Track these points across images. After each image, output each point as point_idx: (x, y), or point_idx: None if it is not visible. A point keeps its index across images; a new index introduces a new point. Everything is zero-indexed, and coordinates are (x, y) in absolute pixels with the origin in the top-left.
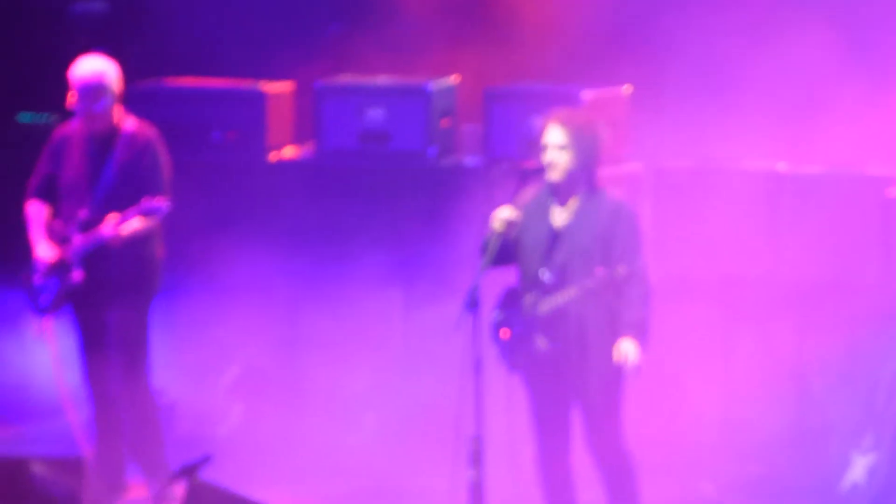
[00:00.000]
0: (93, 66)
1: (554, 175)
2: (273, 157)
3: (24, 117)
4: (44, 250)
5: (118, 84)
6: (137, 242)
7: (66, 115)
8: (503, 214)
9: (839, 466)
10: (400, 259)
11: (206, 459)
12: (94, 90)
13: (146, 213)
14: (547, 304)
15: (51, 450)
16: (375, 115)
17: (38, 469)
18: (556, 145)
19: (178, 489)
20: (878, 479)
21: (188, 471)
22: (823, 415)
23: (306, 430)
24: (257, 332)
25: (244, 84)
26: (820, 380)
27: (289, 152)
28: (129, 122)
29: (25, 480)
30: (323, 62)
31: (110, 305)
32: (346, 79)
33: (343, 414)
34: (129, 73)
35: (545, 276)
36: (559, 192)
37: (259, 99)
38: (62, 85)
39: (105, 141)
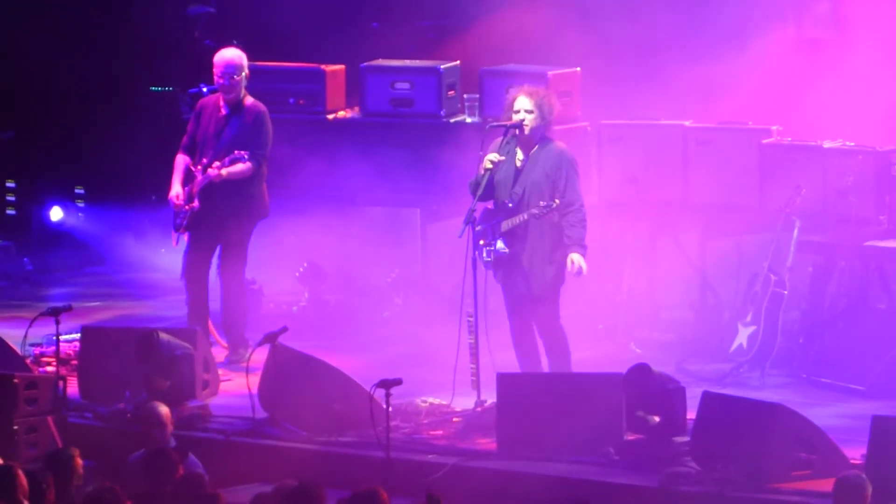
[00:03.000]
0: (234, 53)
1: (525, 130)
2: (331, 116)
3: (154, 88)
4: (173, 191)
5: (246, 69)
6: (242, 181)
7: (185, 87)
8: (492, 157)
9: (729, 334)
10: (420, 187)
11: (283, 329)
12: (234, 68)
13: (233, 161)
14: (506, 224)
15: (176, 322)
16: (403, 87)
17: (163, 336)
18: (525, 109)
19: (255, 351)
20: (755, 343)
21: (270, 337)
22: (718, 298)
23: (353, 307)
24: (319, 239)
25: (310, 65)
26: (716, 273)
27: (342, 113)
28: (248, 99)
29: (154, 345)
30: (366, 49)
31: (220, 226)
32: (382, 62)
33: (379, 296)
34: None
35: (509, 203)
36: (523, 142)
37: (321, 76)
38: (181, 65)
39: (231, 110)
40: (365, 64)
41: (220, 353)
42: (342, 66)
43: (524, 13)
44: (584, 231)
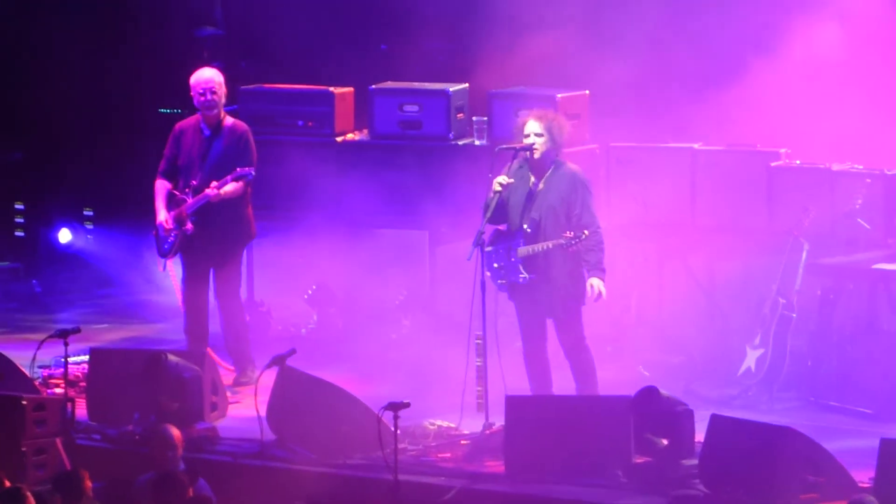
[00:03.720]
0: (211, 71)
1: (535, 154)
2: (339, 138)
3: (163, 110)
4: (161, 217)
5: (224, 88)
6: (231, 203)
7: (193, 109)
8: (501, 180)
9: (737, 357)
10: (428, 210)
11: (291, 351)
12: (213, 85)
13: (237, 178)
14: (525, 251)
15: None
16: (411, 109)
17: (171, 358)
18: (535, 133)
19: (264, 373)
20: (763, 366)
21: (279, 360)
22: (726, 320)
23: (362, 330)
24: (327, 261)
25: (319, 88)
26: (724, 296)
27: (350, 135)
28: (228, 119)
29: (162, 367)
30: (374, 72)
31: (210, 250)
32: (390, 84)
33: (388, 319)
34: (239, 79)
35: (528, 228)
36: (536, 166)
37: (330, 98)
38: (189, 88)
39: (213, 130)
40: (373, 86)
41: (225, 376)
42: (351, 89)
43: (533, 36)
44: (602, 254)
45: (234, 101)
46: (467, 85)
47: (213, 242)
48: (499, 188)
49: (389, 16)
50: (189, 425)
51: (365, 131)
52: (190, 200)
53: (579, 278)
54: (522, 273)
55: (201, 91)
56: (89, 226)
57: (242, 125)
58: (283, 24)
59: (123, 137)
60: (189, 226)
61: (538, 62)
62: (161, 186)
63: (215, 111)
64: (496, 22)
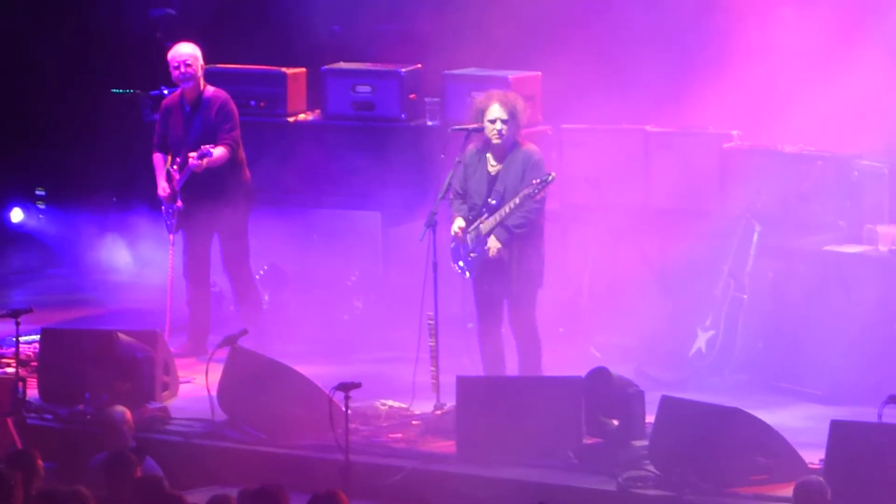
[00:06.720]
0: (186, 45)
1: (500, 139)
2: (291, 119)
3: (116, 91)
4: (161, 188)
5: (201, 60)
6: (222, 171)
7: (146, 88)
8: (460, 224)
9: (688, 339)
10: (380, 191)
11: (243, 332)
12: (187, 57)
13: (200, 157)
14: (491, 221)
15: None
16: (364, 90)
17: (123, 338)
18: (501, 119)
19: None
20: (714, 347)
21: (230, 340)
22: (678, 302)
23: (314, 310)
24: (279, 242)
25: (271, 68)
26: (676, 277)
27: (302, 116)
28: (208, 89)
29: (114, 347)
30: (327, 53)
31: (211, 221)
32: (343, 65)
33: (340, 300)
34: None
35: (491, 201)
36: (497, 149)
37: (282, 79)
38: (143, 67)
39: (193, 105)
40: (326, 67)
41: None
42: (303, 69)
43: (485, 17)
44: (524, 226)
45: None
46: (420, 66)
47: (209, 213)
48: (457, 230)
49: None
50: (140, 405)
51: (317, 112)
52: (177, 177)
53: (538, 260)
54: (471, 254)
55: (176, 65)
56: (41, 205)
57: (221, 94)
58: (237, 5)
59: (76, 117)
60: (179, 203)
61: (491, 43)
62: (158, 159)
63: (192, 84)
64: (448, 3)
